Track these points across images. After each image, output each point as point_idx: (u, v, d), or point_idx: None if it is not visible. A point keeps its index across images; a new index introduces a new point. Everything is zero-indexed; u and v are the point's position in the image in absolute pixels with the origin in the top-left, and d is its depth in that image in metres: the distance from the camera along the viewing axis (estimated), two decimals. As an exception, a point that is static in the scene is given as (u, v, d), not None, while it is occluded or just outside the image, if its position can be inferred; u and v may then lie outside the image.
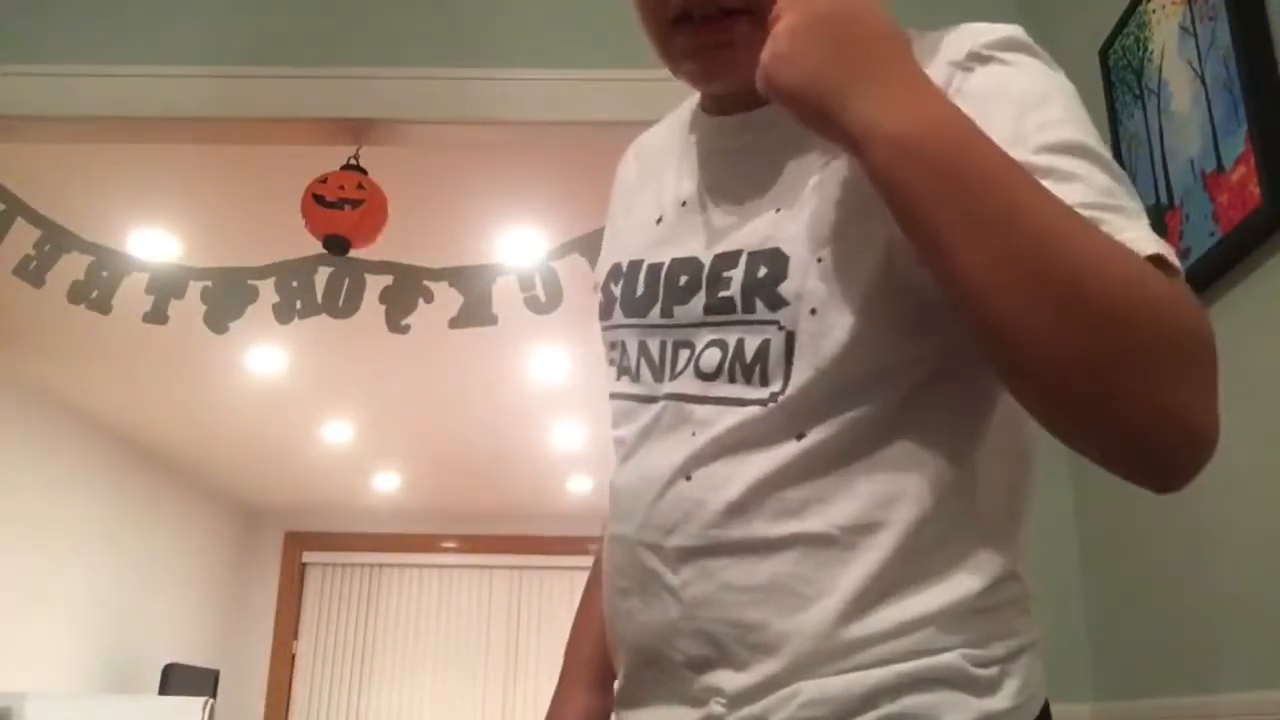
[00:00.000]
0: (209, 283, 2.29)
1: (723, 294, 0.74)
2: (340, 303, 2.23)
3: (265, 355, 4.13)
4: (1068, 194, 0.61)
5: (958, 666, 0.67)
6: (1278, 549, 1.16)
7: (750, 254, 0.73)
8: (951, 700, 0.66)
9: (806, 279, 0.70)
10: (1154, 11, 1.41)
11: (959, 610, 0.68)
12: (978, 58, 0.70)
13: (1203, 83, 1.27)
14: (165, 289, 2.30)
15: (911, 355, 0.70)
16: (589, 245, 2.18)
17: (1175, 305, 0.59)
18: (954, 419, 0.71)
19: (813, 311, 0.70)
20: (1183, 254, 1.32)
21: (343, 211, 2.26)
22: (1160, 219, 1.38)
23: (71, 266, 2.29)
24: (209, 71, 1.99)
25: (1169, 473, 0.63)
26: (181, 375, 4.32)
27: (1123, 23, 1.50)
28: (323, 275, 2.26)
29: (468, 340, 2.42)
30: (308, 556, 6.76)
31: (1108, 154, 0.67)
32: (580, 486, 5.79)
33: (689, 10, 0.76)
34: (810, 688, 0.66)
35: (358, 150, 2.29)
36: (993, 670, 0.68)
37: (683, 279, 0.77)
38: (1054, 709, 1.75)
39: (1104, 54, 1.55)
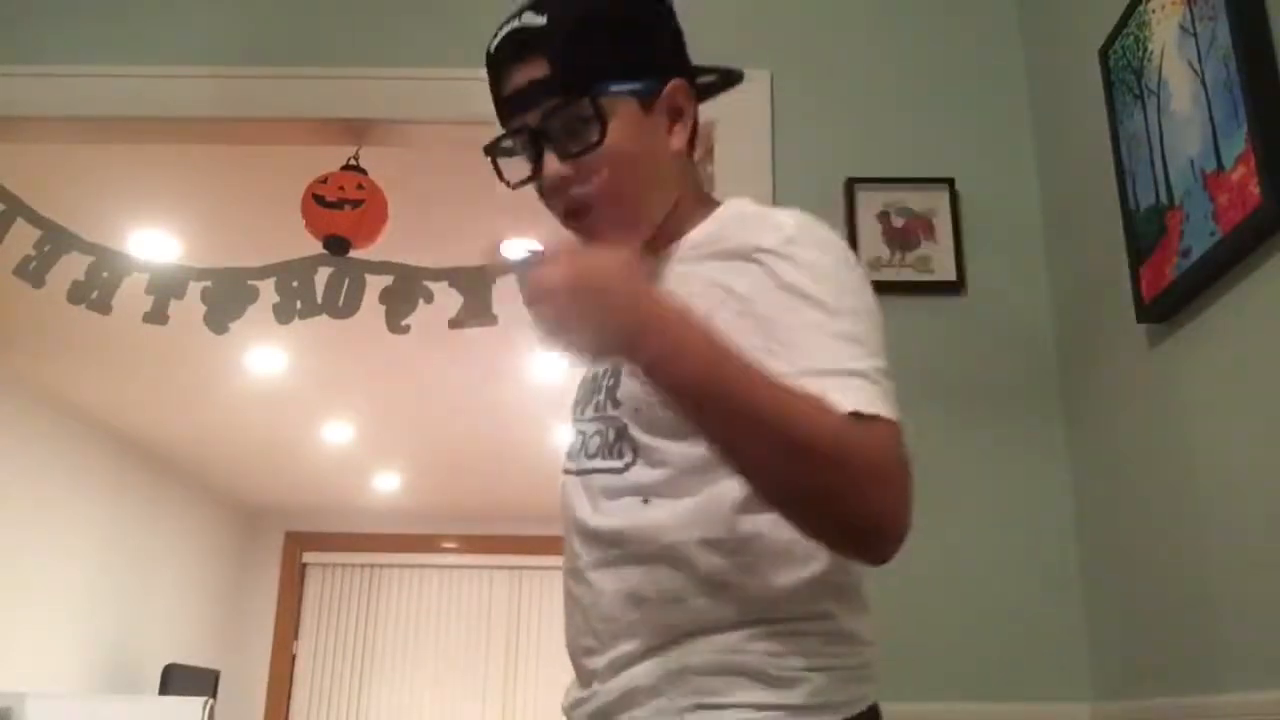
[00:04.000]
0: (209, 283, 2.29)
1: (598, 397, 1.02)
2: (340, 303, 2.23)
3: (265, 355, 4.13)
4: (813, 359, 0.85)
5: (758, 666, 0.89)
6: (1277, 549, 1.16)
7: (614, 369, 1.00)
8: (744, 685, 0.88)
9: (630, 387, 0.97)
10: (1154, 11, 1.41)
11: (762, 632, 0.89)
12: (764, 252, 0.92)
13: (1203, 83, 1.27)
14: (165, 289, 2.30)
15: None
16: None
17: (868, 447, 0.81)
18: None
19: (636, 410, 0.96)
20: (1183, 254, 1.32)
21: (343, 211, 2.26)
22: (1160, 219, 1.38)
23: (71, 266, 2.28)
24: (209, 71, 1.99)
25: (874, 555, 0.84)
26: (181, 375, 4.32)
27: (1123, 23, 1.50)
28: (323, 275, 2.25)
29: (468, 340, 2.42)
30: (308, 556, 6.76)
31: (850, 320, 0.88)
32: (580, 486, 5.78)
33: (556, 210, 1.04)
34: (654, 663, 0.91)
35: (358, 150, 2.29)
36: (789, 674, 0.88)
37: (592, 385, 1.05)
38: (1054, 709, 1.76)
39: (1104, 54, 1.55)
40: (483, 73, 1.06)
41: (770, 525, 0.89)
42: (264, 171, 2.75)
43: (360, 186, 2.29)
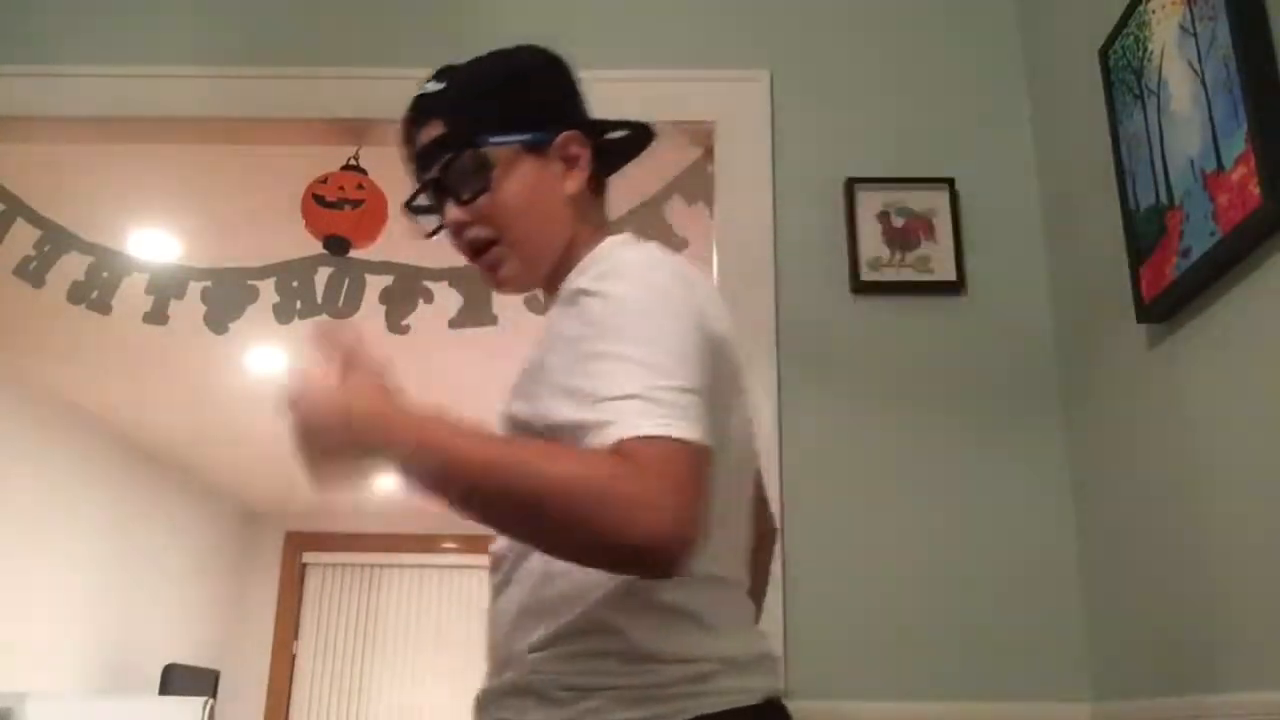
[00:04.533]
0: (209, 283, 2.29)
1: None
2: (340, 303, 2.23)
3: (265, 355, 4.13)
4: (598, 388, 0.87)
5: (543, 686, 0.96)
6: (1278, 549, 1.16)
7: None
8: (531, 705, 0.96)
9: (499, 424, 1.05)
10: (1154, 11, 1.41)
11: (559, 652, 0.96)
12: (579, 292, 0.97)
13: (1203, 83, 1.27)
14: (165, 289, 2.30)
15: None
16: (589, 245, 2.18)
17: (624, 476, 0.81)
18: None
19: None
20: (1183, 254, 1.32)
21: (343, 211, 2.26)
22: (1160, 219, 1.38)
23: (71, 266, 2.28)
24: (208, 71, 1.99)
25: (657, 574, 0.85)
26: (181, 375, 4.32)
27: (1123, 23, 1.50)
28: (323, 275, 2.26)
29: (467, 340, 2.42)
30: (308, 556, 6.76)
31: (645, 347, 0.89)
32: (580, 486, 5.78)
33: (462, 252, 1.16)
34: (492, 682, 1.03)
35: (358, 150, 2.30)
36: (565, 694, 0.94)
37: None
38: (1053, 709, 1.76)
39: (1104, 54, 1.55)
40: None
41: None
42: (264, 171, 2.74)
43: (360, 186, 2.29)
